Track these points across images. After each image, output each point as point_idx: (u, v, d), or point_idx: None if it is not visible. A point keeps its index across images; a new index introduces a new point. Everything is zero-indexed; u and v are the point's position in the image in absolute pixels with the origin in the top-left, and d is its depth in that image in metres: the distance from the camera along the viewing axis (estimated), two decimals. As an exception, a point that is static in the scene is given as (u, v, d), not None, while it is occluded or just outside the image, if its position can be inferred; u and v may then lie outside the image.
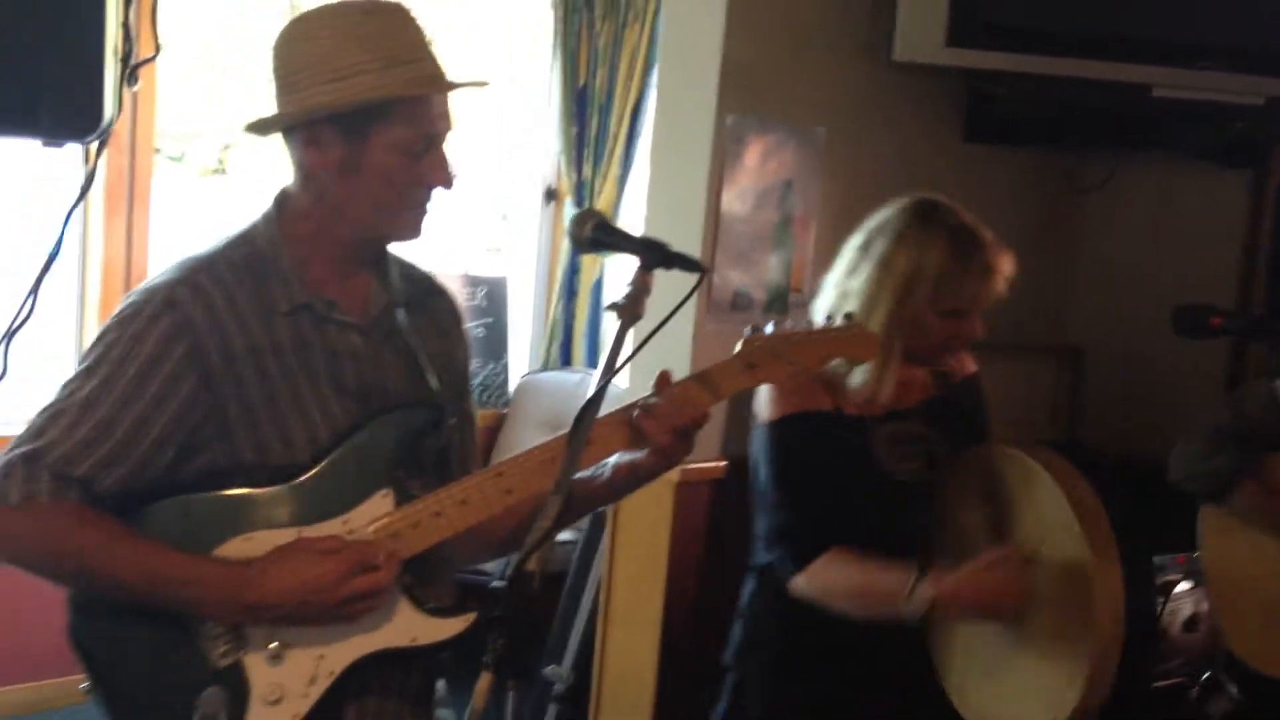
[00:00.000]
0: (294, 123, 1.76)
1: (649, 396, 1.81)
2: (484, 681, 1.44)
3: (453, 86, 1.78)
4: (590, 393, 1.68)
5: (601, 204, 4.99)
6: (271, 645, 1.74)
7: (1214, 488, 2.53)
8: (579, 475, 1.81)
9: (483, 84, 1.87)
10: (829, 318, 2.02)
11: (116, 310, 1.76)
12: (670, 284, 1.74)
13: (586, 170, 5.02)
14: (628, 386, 3.16)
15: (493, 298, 5.09)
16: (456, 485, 1.78)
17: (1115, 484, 2.59)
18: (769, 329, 1.92)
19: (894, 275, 2.26)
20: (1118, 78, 2.96)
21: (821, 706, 2.38)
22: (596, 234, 1.74)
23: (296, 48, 1.75)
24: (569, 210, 5.13)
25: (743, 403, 3.01)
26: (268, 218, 1.83)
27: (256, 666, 1.74)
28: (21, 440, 1.71)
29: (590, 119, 4.99)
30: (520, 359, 5.24)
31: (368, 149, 1.73)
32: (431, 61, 1.77)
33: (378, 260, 1.88)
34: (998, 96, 3.14)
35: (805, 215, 3.07)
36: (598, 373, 1.68)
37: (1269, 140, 3.33)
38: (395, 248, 1.91)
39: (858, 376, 2.30)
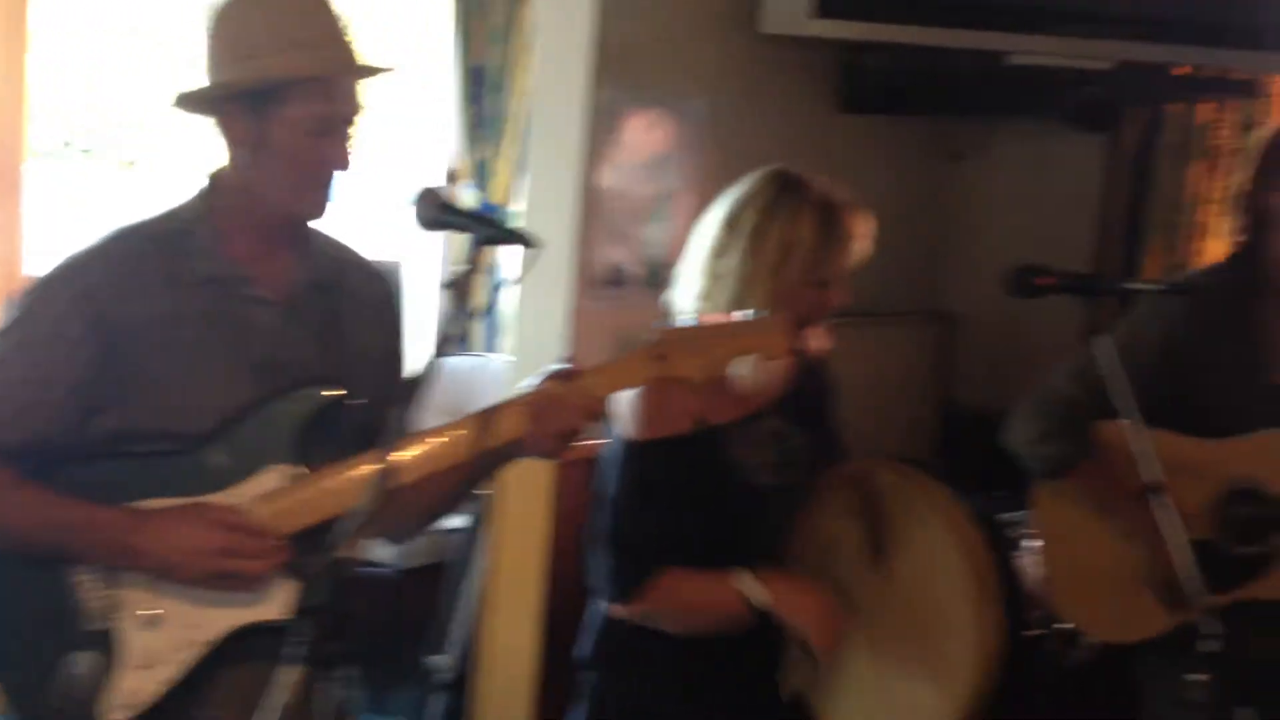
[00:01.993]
0: (203, 98, 1.84)
1: (553, 380, 1.85)
2: (291, 674, 1.43)
3: (348, 70, 1.84)
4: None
5: (499, 185, 5.01)
6: (146, 613, 1.78)
7: (1046, 470, 2.56)
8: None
9: (380, 70, 1.90)
10: (742, 312, 1.96)
11: (35, 278, 1.85)
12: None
13: (485, 151, 5.04)
14: (514, 361, 3.21)
15: (390, 281, 5.08)
16: (347, 463, 1.82)
17: (984, 441, 2.70)
18: (684, 321, 1.94)
19: (769, 249, 2.21)
20: (975, 45, 3.04)
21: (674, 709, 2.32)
22: (435, 212, 1.75)
23: (218, 27, 1.82)
24: (468, 192, 5.15)
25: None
26: (201, 193, 1.90)
27: (130, 632, 1.79)
28: None
29: (486, 99, 5.00)
30: (420, 345, 5.22)
31: (269, 127, 1.80)
32: (336, 46, 1.83)
33: (300, 239, 1.94)
34: (866, 66, 3.22)
35: (685, 189, 3.14)
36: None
37: (1122, 104, 3.43)
38: (327, 229, 1.98)
39: (746, 367, 2.15)
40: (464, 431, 1.83)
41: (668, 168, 3.09)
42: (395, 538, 2.06)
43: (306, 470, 1.83)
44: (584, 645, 2.38)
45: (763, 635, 2.21)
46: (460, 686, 3.37)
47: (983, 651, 2.08)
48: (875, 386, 3.71)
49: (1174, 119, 3.52)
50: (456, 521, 3.95)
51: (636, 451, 2.22)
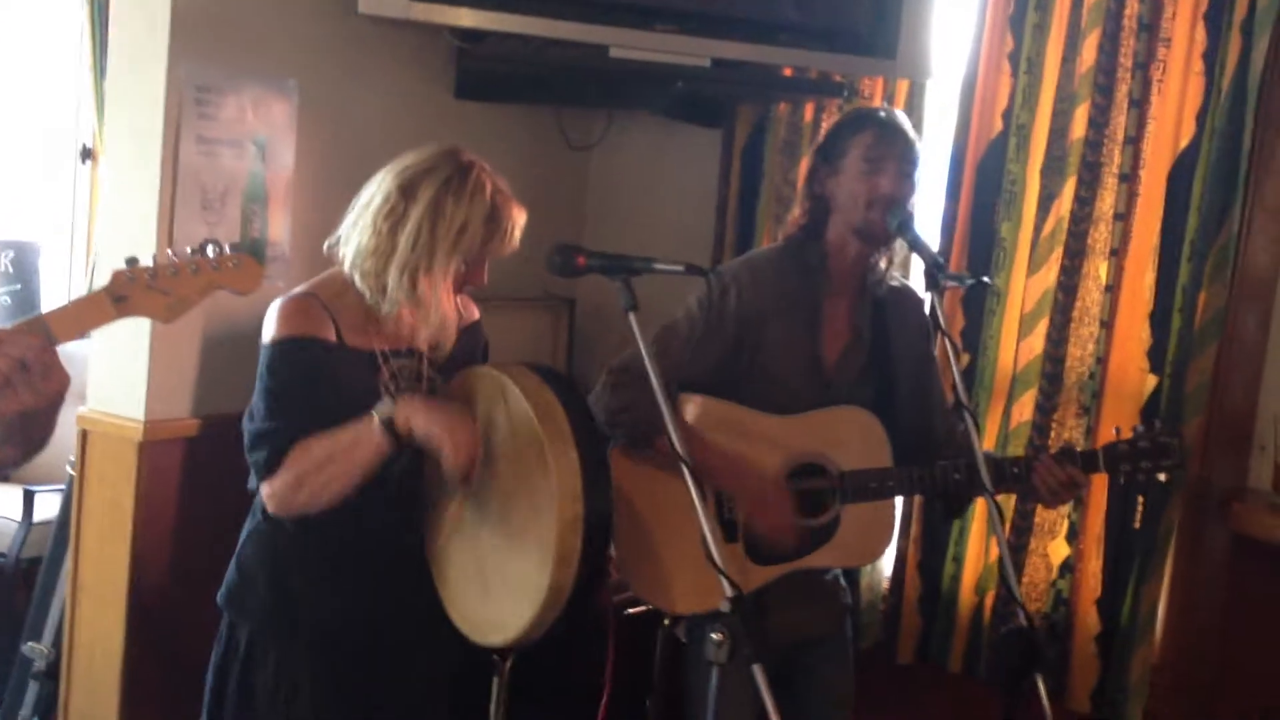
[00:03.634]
0: None
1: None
2: None
3: None
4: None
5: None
6: None
7: (636, 437, 2.63)
8: None
9: None
10: (212, 246, 1.97)
11: None
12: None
13: (122, 128, 4.81)
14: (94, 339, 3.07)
15: (21, 263, 4.82)
16: None
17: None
18: (147, 260, 1.89)
19: (445, 222, 2.33)
20: (580, 38, 3.08)
21: (316, 644, 2.43)
22: None
23: None
24: (105, 169, 4.91)
25: (215, 360, 2.99)
26: None
27: None
28: None
29: (125, 74, 4.77)
30: (58, 327, 4.96)
31: None
32: None
33: None
34: (477, 54, 3.22)
35: (282, 167, 3.06)
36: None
37: (723, 101, 3.56)
38: None
39: (427, 321, 2.37)
40: None
41: (264, 145, 3.01)
42: None
43: None
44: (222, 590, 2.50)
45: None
46: (56, 674, 3.24)
47: (564, 489, 2.15)
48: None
49: (782, 117, 3.67)
50: (47, 514, 3.83)
51: (272, 349, 2.35)
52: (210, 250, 1.93)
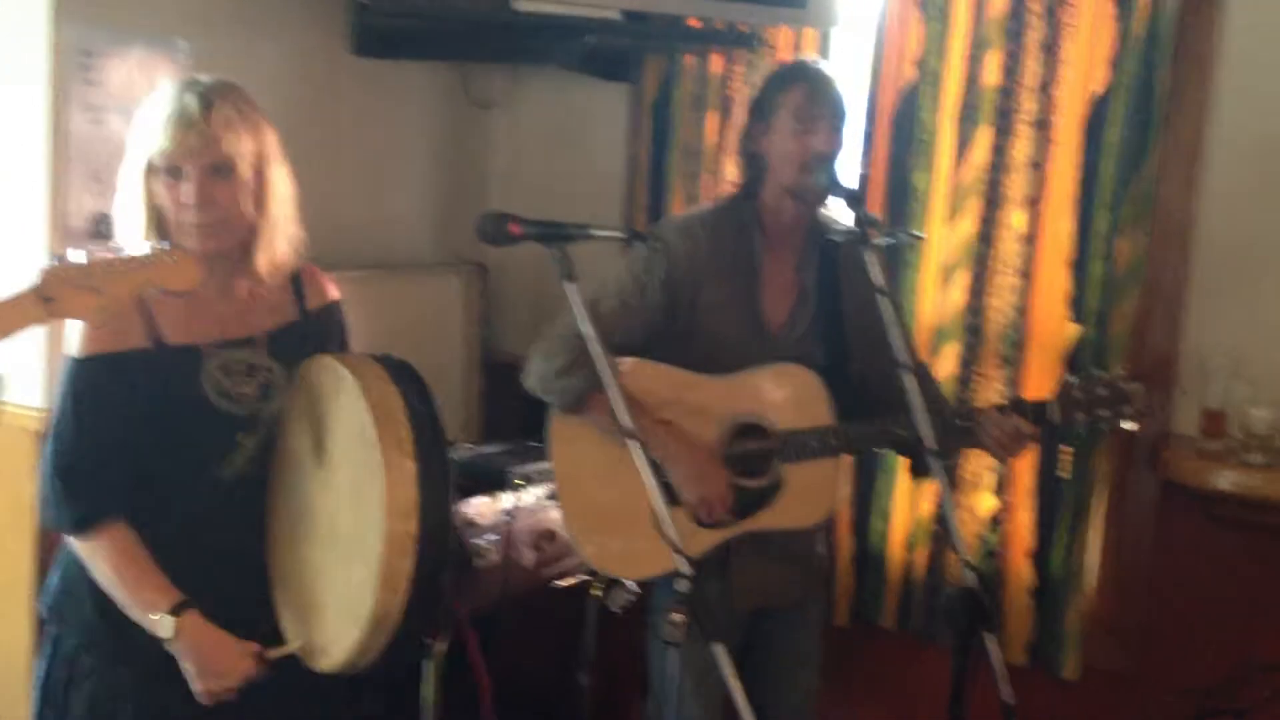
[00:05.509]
0: None
1: None
2: None
3: None
4: None
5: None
6: None
7: (567, 402, 2.57)
8: None
9: None
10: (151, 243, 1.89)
11: None
12: None
13: None
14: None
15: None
16: None
17: (521, 390, 2.64)
18: (77, 257, 1.76)
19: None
20: (479, -11, 2.96)
21: (140, 669, 2.20)
22: None
23: None
24: None
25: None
26: None
27: None
28: None
29: None
30: None
31: None
32: None
33: None
34: (375, 9, 3.08)
35: (179, 134, 2.88)
36: None
37: (631, 54, 3.45)
38: None
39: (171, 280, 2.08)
40: None
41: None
42: None
43: None
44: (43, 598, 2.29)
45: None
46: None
47: (394, 503, 2.00)
48: (412, 338, 3.60)
49: (690, 70, 3.58)
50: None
51: (77, 368, 2.15)
52: (149, 246, 1.79)
